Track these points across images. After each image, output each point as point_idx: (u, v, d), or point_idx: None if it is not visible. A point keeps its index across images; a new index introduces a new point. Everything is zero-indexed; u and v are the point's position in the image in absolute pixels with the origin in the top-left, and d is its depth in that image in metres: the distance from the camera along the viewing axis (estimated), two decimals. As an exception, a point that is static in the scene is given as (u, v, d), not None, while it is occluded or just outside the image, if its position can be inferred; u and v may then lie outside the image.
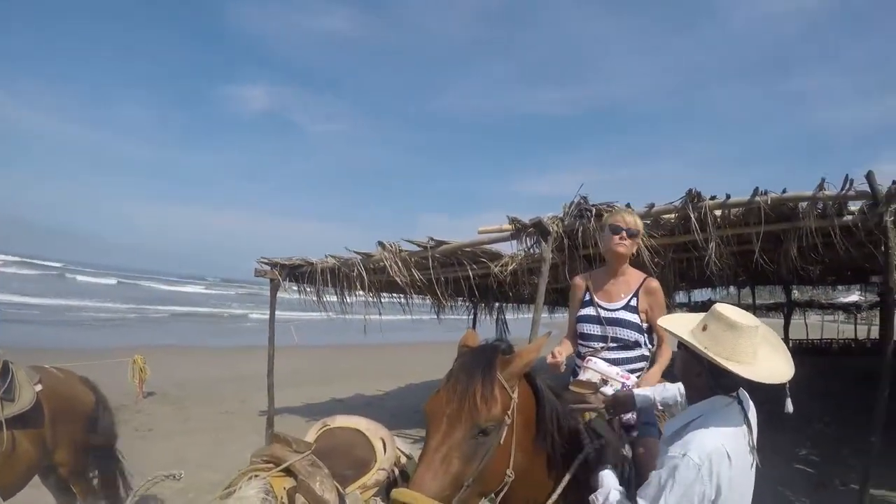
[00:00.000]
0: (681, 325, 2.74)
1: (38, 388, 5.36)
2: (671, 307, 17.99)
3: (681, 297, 17.66)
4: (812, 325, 33.31)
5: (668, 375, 3.69)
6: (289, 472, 3.29)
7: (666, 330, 2.89)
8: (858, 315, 34.48)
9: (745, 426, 2.60)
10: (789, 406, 2.80)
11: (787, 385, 2.63)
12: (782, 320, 24.97)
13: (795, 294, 26.15)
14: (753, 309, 23.29)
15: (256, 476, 3.19)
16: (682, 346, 2.68)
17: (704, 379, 2.59)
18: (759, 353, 2.59)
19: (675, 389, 3.29)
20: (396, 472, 4.00)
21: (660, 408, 3.41)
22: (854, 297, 33.30)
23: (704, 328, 2.59)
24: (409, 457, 4.29)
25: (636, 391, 3.59)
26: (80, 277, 67.92)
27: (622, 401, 3.55)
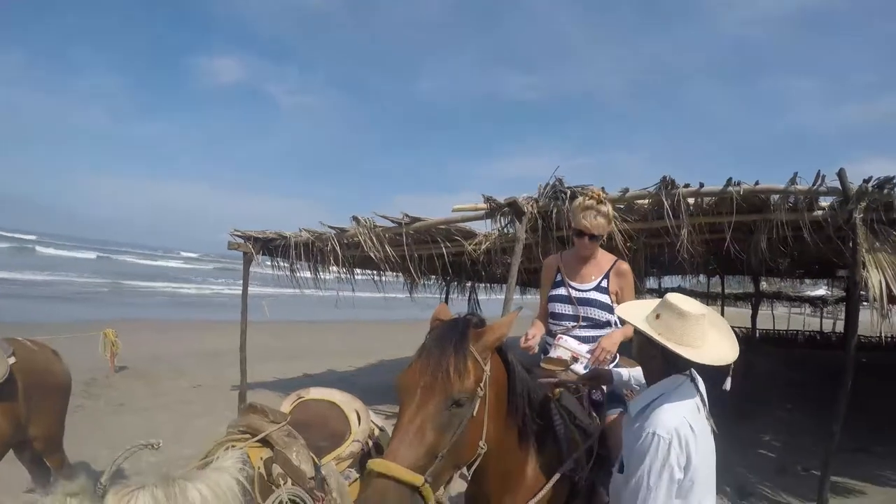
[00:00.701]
0: (636, 313, 3.00)
1: (12, 360, 5.26)
2: (641, 292, 18.18)
3: (651, 282, 17.82)
4: (779, 317, 33.87)
5: (627, 354, 3.83)
6: (265, 442, 3.29)
7: (621, 318, 3.12)
8: (825, 308, 35.11)
9: (698, 399, 2.89)
10: (727, 384, 3.05)
11: (731, 366, 2.93)
12: (750, 310, 25.45)
13: (764, 285, 26.47)
14: (722, 298, 23.69)
15: (233, 446, 3.19)
16: (638, 331, 2.92)
17: (659, 361, 2.88)
18: (708, 338, 2.88)
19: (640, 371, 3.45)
20: (370, 444, 4.00)
21: (634, 386, 3.55)
22: (821, 290, 33.90)
23: (658, 316, 2.86)
24: (382, 430, 4.30)
25: (613, 369, 3.72)
26: (53, 251, 66.89)
27: (602, 375, 3.74)
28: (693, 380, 2.93)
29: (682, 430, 2.68)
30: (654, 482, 2.67)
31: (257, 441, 3.29)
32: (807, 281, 25.75)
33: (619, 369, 3.76)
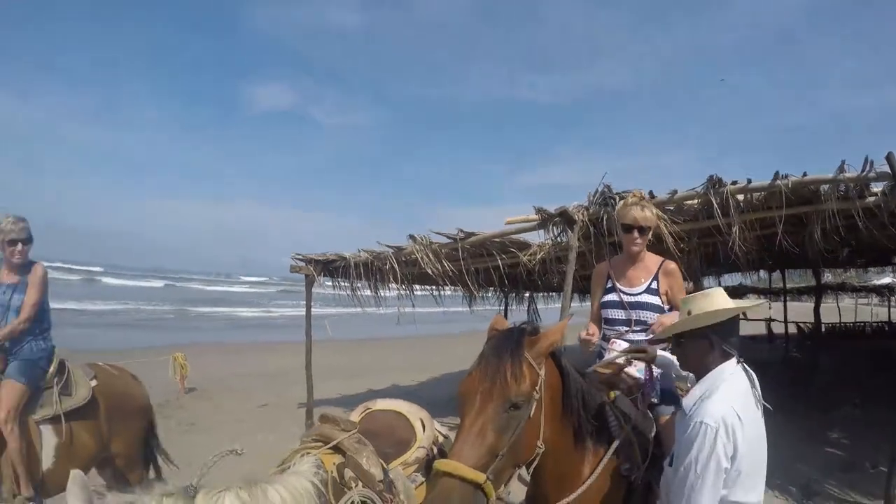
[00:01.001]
0: (671, 328, 3.25)
1: (94, 383, 5.72)
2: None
3: (710, 282, 17.64)
4: (845, 309, 32.74)
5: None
6: (337, 449, 3.48)
7: (666, 332, 3.35)
8: (892, 298, 34.02)
9: (749, 386, 2.99)
10: None
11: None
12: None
13: (829, 277, 25.88)
14: (784, 293, 23.17)
15: (308, 453, 3.41)
16: (684, 341, 3.12)
17: (715, 349, 2.99)
18: (734, 300, 3.11)
19: None
20: (435, 450, 4.17)
21: (683, 373, 3.65)
22: (887, 279, 32.77)
23: (689, 313, 3.06)
24: (446, 437, 4.46)
25: (660, 352, 3.85)
26: (121, 281, 68.69)
27: (646, 349, 3.84)
28: (744, 369, 3.03)
29: (728, 418, 2.75)
30: (700, 471, 2.75)
31: (330, 448, 3.49)
32: (871, 270, 25.09)
33: (666, 353, 3.87)
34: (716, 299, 3.03)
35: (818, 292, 21.77)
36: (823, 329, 24.77)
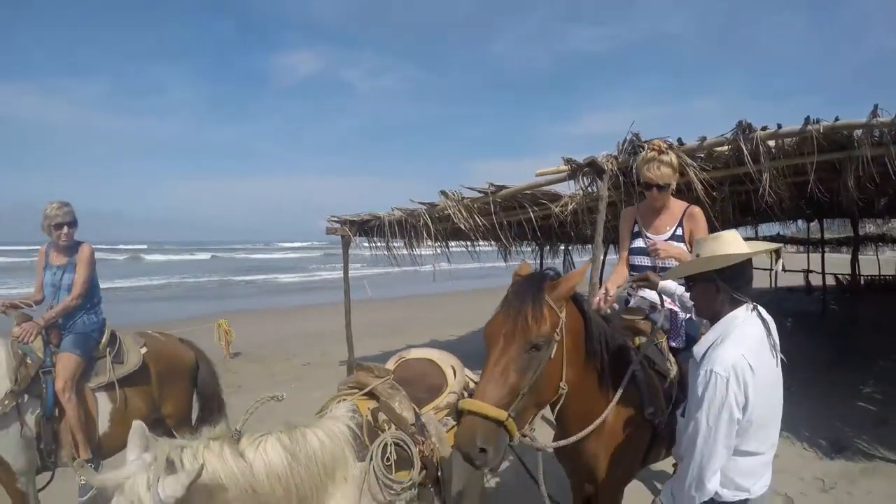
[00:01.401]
0: (675, 270, 3.32)
1: (144, 350, 6.03)
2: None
3: (747, 231, 17.48)
4: (887, 261, 31.73)
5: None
6: (372, 395, 3.67)
7: (669, 279, 3.31)
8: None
9: (764, 332, 2.94)
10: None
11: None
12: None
13: (871, 228, 25.33)
14: (822, 243, 22.90)
15: (344, 399, 3.61)
16: (693, 285, 3.08)
17: (722, 295, 2.95)
18: (746, 244, 3.04)
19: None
20: (466, 395, 4.34)
21: (687, 302, 3.71)
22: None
23: (698, 255, 3.03)
24: (476, 383, 4.64)
25: (662, 279, 3.92)
26: (168, 256, 69.88)
27: (650, 277, 3.94)
28: (759, 315, 2.99)
29: (739, 366, 2.73)
30: (713, 421, 2.74)
31: (364, 394, 3.68)
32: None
33: (669, 282, 3.93)
34: (725, 243, 2.98)
35: (856, 243, 21.44)
36: (863, 282, 24.41)
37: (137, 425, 2.77)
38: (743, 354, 2.75)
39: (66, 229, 5.69)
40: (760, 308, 3.03)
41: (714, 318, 3.00)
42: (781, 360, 2.98)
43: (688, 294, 3.29)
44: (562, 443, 3.46)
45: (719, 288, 2.92)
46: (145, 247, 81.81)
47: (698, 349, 2.96)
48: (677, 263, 4.11)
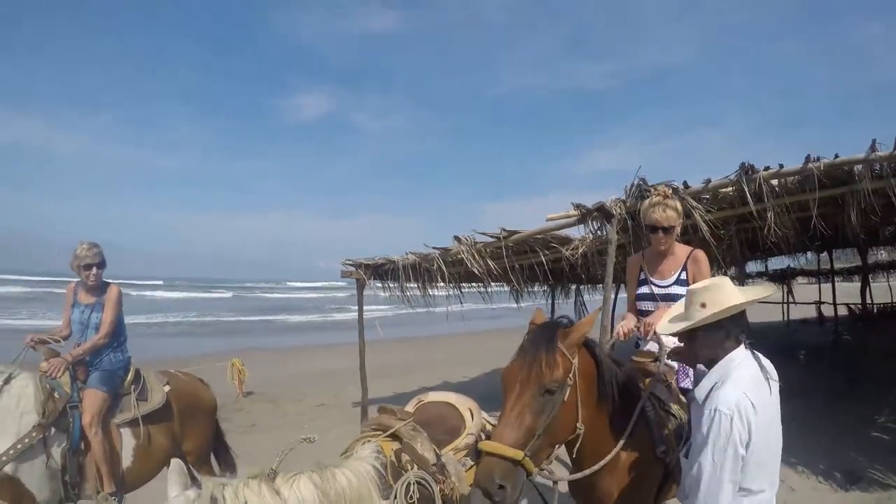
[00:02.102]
0: (680, 323, 3.22)
1: (167, 388, 6.20)
2: (742, 277, 17.83)
3: (757, 265, 17.59)
4: None
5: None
6: (395, 436, 3.84)
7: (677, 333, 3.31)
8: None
9: (760, 371, 3.00)
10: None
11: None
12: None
13: (883, 255, 25.29)
14: (832, 274, 22.86)
15: (369, 441, 3.78)
16: (700, 335, 3.11)
17: (730, 337, 3.04)
18: (742, 290, 3.20)
19: None
20: (483, 437, 4.51)
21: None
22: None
23: (703, 305, 3.08)
24: (493, 425, 4.81)
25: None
26: (178, 294, 70.03)
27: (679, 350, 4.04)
28: (753, 354, 3.05)
29: (742, 404, 2.80)
30: (719, 458, 2.79)
31: (388, 435, 3.86)
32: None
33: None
34: (729, 290, 3.08)
35: (865, 272, 21.47)
36: (875, 310, 24.33)
37: (176, 463, 2.95)
38: (745, 393, 2.84)
39: (94, 270, 5.90)
40: (753, 347, 3.10)
41: (711, 363, 3.07)
42: (788, 392, 3.09)
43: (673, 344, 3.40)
44: (576, 476, 3.60)
45: (729, 331, 3.02)
46: (161, 283, 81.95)
47: (700, 392, 3.05)
48: (652, 320, 4.33)
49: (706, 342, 3.09)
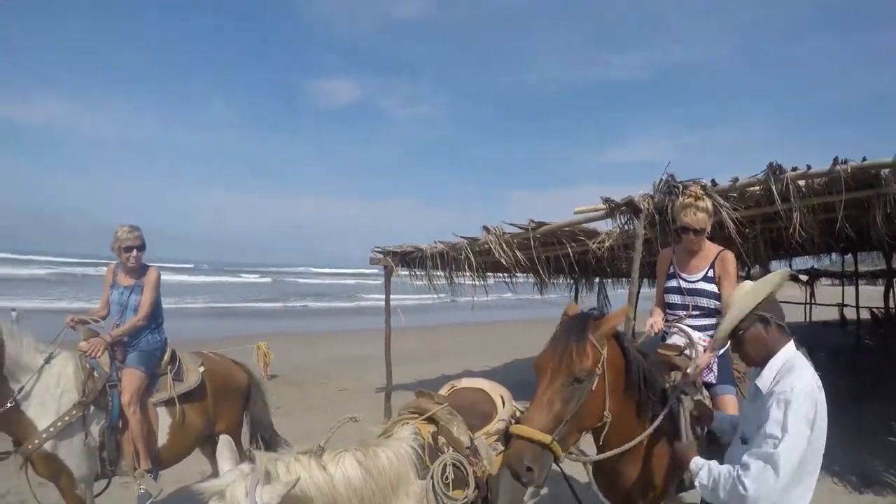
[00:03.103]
0: (728, 326, 3.23)
1: (201, 369, 6.38)
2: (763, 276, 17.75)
3: (780, 265, 17.52)
4: None
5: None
6: (431, 420, 4.03)
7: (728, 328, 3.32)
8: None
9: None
10: None
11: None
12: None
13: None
14: (856, 277, 22.81)
15: (407, 423, 3.99)
16: (743, 334, 3.15)
17: (772, 326, 3.09)
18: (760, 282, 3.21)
19: None
20: (513, 423, 4.71)
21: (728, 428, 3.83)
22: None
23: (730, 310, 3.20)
24: (522, 412, 4.98)
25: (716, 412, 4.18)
26: (209, 278, 70.71)
27: (705, 414, 4.08)
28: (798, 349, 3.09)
29: (816, 385, 2.90)
30: (795, 430, 2.82)
31: (425, 418, 4.05)
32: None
33: (719, 412, 4.15)
34: (745, 287, 3.19)
35: (889, 276, 21.32)
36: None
37: (226, 440, 3.16)
38: (813, 376, 2.94)
39: (134, 252, 6.05)
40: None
41: (766, 360, 3.09)
42: None
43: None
44: (601, 456, 3.73)
45: (769, 322, 3.07)
46: (191, 266, 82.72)
47: (763, 382, 3.05)
48: (702, 363, 4.41)
49: (751, 340, 3.13)
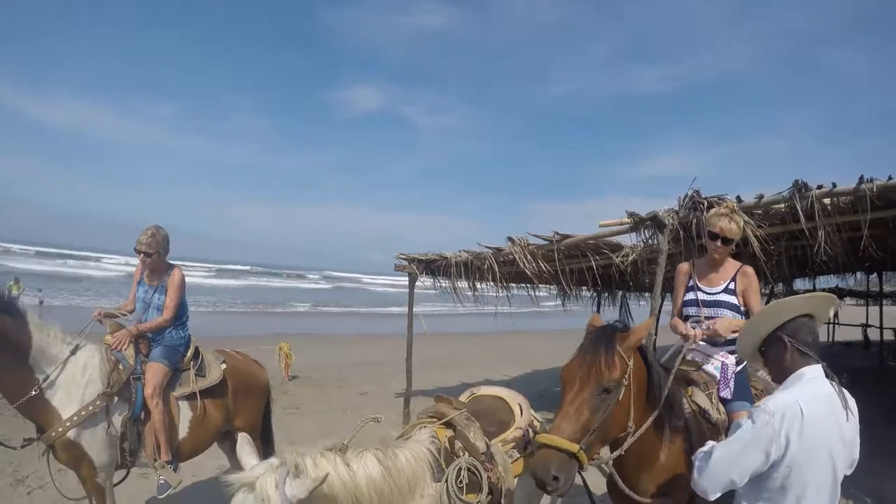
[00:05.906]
0: (747, 347, 3.40)
1: (223, 366, 6.51)
2: (788, 295, 17.67)
3: (804, 284, 17.41)
4: None
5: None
6: (449, 424, 4.10)
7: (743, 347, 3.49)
8: None
9: (832, 394, 2.95)
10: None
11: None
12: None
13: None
14: (881, 296, 22.52)
15: (425, 427, 4.07)
16: (766, 351, 3.25)
17: (790, 351, 3.08)
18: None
19: None
20: (531, 432, 4.74)
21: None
22: None
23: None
24: (540, 421, 5.04)
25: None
26: (233, 281, 71.33)
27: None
28: (827, 375, 3.01)
29: (790, 409, 2.81)
30: (738, 447, 2.90)
31: (443, 423, 4.13)
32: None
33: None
34: (775, 305, 3.24)
35: (914, 296, 21.12)
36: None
37: (245, 437, 3.27)
38: (798, 400, 2.83)
39: (142, 257, 6.13)
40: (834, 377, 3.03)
41: (784, 378, 3.09)
42: None
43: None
44: (615, 454, 3.71)
45: (787, 343, 3.06)
46: (217, 268, 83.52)
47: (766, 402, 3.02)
48: (721, 328, 4.50)
49: (772, 356, 3.20)
